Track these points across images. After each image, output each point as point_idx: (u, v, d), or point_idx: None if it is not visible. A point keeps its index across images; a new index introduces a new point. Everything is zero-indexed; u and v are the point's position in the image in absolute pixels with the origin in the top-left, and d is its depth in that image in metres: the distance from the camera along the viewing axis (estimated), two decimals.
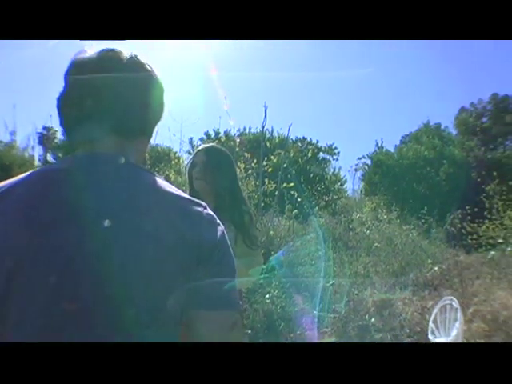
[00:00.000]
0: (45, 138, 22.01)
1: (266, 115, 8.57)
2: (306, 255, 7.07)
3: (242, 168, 8.06)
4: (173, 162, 9.72)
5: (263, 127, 8.83)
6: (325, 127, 33.76)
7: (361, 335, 4.55)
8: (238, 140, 10.55)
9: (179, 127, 14.38)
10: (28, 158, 16.25)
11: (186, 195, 1.08)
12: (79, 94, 1.02)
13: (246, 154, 8.47)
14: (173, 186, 1.08)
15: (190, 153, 18.60)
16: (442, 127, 20.10)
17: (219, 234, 1.07)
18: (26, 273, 0.90)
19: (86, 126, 1.03)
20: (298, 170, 12.47)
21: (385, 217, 10.75)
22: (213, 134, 18.27)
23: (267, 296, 5.12)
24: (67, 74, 1.05)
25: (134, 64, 1.08)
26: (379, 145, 18.59)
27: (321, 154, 17.49)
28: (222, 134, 17.66)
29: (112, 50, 1.08)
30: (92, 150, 1.04)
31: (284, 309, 5.04)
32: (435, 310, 3.16)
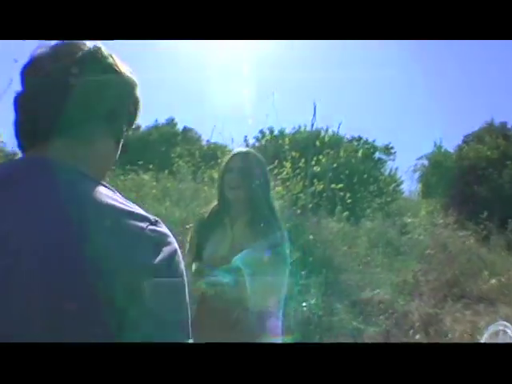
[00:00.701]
0: None
1: (315, 113, 8.27)
2: (352, 260, 6.72)
3: (288, 167, 7.76)
4: (219, 161, 9.51)
5: (312, 125, 8.50)
6: (382, 126, 32.89)
7: None
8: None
9: (222, 125, 14.29)
10: None
11: (132, 208, 0.89)
12: (33, 95, 0.94)
13: (293, 153, 8.15)
14: (120, 198, 0.90)
15: None
16: (508, 126, 18.98)
17: (162, 256, 0.85)
18: None
19: (37, 128, 0.94)
20: (352, 170, 12.08)
21: (441, 221, 10.14)
22: (267, 132, 18.15)
23: (304, 304, 4.81)
24: (23, 73, 0.97)
25: (94, 58, 0.96)
26: (437, 144, 17.80)
27: (377, 154, 16.98)
28: (276, 132, 17.54)
29: (70, 44, 0.97)
30: (36, 154, 0.94)
31: (321, 318, 4.72)
32: (485, 335, 2.78)
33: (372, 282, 5.99)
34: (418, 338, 4.30)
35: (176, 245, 0.90)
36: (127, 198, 0.92)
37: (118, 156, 1.09)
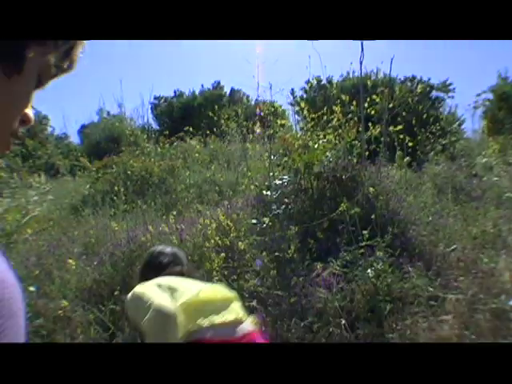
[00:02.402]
0: (155, 107, 22.57)
1: (362, 49, 7.32)
2: (419, 211, 5.91)
3: (338, 113, 6.92)
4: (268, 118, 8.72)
5: (361, 63, 7.54)
6: (436, 62, 30.92)
7: (495, 325, 3.39)
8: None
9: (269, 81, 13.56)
10: (135, 129, 16.59)
11: None
12: None
13: (343, 97, 7.26)
14: None
15: (292, 104, 17.81)
16: None
17: None
18: None
19: None
20: (409, 111, 11.17)
21: None
22: (314, 82, 17.35)
23: (369, 271, 4.09)
24: None
25: None
26: (502, 75, 16.25)
27: (434, 93, 15.87)
28: (324, 80, 16.68)
29: None
30: None
31: (391, 286, 3.99)
32: None
33: (446, 235, 5.18)
34: None
35: None
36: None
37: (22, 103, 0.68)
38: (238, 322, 2.00)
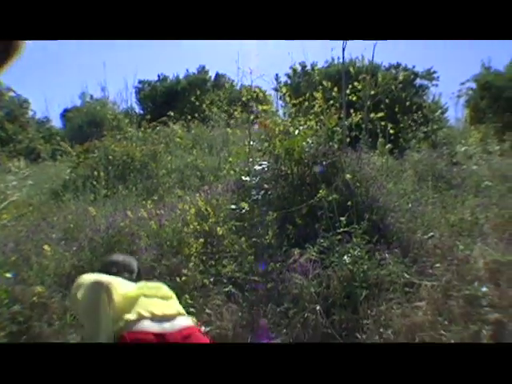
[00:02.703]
0: (139, 91, 22.26)
1: None
2: (399, 198, 5.93)
3: (320, 99, 6.90)
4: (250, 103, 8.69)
5: (343, 49, 7.50)
6: (421, 50, 30.97)
7: (467, 311, 3.43)
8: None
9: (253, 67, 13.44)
10: (118, 113, 16.40)
11: None
12: None
13: (325, 83, 7.23)
14: None
15: (276, 90, 17.74)
16: None
17: None
18: None
19: None
20: (392, 98, 11.20)
21: (496, 148, 9.14)
22: (299, 68, 17.36)
23: (345, 257, 4.11)
24: None
25: None
26: (486, 65, 16.34)
27: (418, 81, 15.90)
28: (308, 66, 16.68)
29: None
30: None
31: (367, 273, 4.02)
32: None
33: (424, 222, 5.22)
34: (486, 290, 3.56)
35: None
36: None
37: None
38: (177, 316, 2.09)
